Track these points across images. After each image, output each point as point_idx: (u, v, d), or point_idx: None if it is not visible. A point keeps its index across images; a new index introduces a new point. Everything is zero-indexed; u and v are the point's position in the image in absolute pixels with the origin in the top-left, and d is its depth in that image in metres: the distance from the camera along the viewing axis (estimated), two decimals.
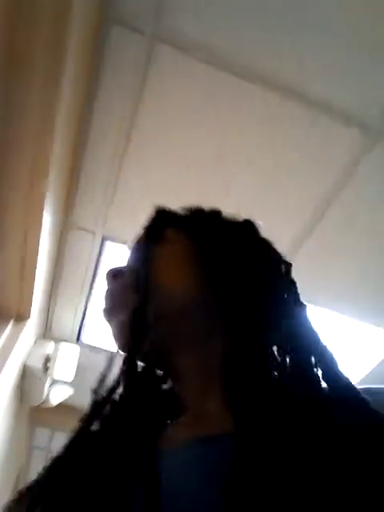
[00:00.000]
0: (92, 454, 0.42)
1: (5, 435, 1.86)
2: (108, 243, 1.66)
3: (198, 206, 0.64)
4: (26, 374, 1.89)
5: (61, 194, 1.43)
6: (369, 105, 1.24)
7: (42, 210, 1.27)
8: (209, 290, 0.50)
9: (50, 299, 1.77)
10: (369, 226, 1.51)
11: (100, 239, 1.65)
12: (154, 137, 1.38)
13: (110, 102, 1.32)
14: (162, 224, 0.59)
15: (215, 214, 0.62)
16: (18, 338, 1.58)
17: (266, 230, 1.56)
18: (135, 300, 0.49)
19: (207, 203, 1.52)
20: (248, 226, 0.60)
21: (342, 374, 0.42)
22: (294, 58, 1.17)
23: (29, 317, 1.59)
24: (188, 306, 0.50)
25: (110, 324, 0.54)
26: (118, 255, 1.70)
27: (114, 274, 0.57)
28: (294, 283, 0.53)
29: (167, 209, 0.63)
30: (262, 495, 0.33)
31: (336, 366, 0.43)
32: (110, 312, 0.54)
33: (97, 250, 1.68)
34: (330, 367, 0.43)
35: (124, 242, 1.66)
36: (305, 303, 0.50)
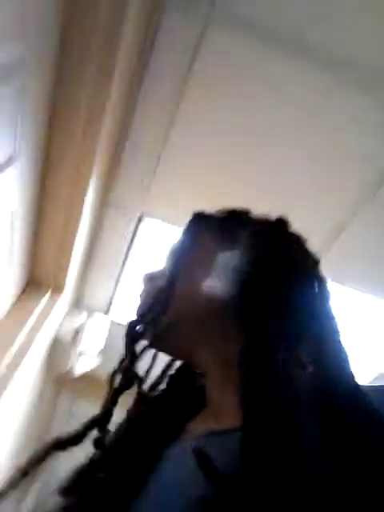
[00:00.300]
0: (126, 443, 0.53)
1: (31, 399, 1.92)
2: (145, 220, 1.65)
3: (232, 207, 0.64)
4: (55, 345, 1.93)
5: (103, 170, 1.42)
6: None
7: (86, 186, 1.27)
8: (232, 295, 0.51)
9: (85, 272, 1.79)
10: None
11: (137, 217, 1.64)
12: (199, 118, 1.34)
13: (158, 81, 1.29)
14: (198, 228, 0.60)
15: (248, 216, 0.63)
16: (51, 310, 1.60)
17: (311, 215, 1.50)
18: (159, 304, 0.53)
19: (252, 187, 1.50)
20: (278, 227, 0.60)
21: (357, 388, 0.43)
22: (346, 31, 1.11)
23: (64, 289, 1.61)
24: (209, 312, 0.52)
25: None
26: (155, 233, 1.69)
27: (149, 278, 0.61)
28: (322, 284, 0.53)
29: (204, 213, 0.64)
30: (254, 489, 0.35)
31: (352, 379, 0.44)
32: (143, 316, 0.56)
33: (132, 228, 1.67)
34: (345, 380, 0.44)
35: (162, 219, 1.65)
36: (331, 304, 0.51)
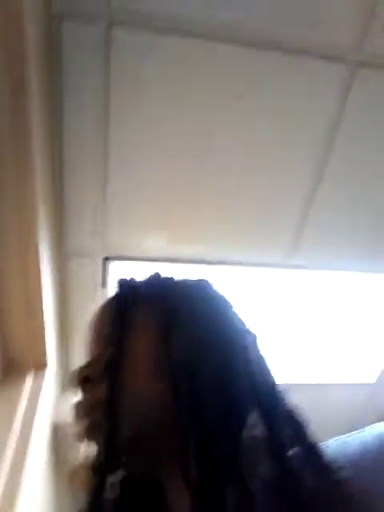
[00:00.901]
0: None
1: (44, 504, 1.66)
2: (112, 264, 1.54)
3: (155, 274, 0.65)
4: (55, 432, 1.71)
5: (50, 224, 1.32)
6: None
7: (36, 247, 1.16)
8: (176, 397, 0.49)
9: (65, 337, 1.62)
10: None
11: (101, 261, 1.53)
12: (132, 137, 1.29)
13: (79, 114, 1.24)
14: (128, 304, 0.58)
15: (174, 284, 0.63)
16: (40, 392, 1.41)
17: (271, 202, 1.42)
18: (107, 426, 0.49)
19: (205, 187, 1.44)
20: (205, 293, 0.61)
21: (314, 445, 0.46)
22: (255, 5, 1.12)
23: (47, 364, 1.44)
24: (161, 425, 0.50)
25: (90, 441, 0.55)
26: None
27: (84, 380, 0.57)
28: (254, 341, 0.57)
29: (129, 283, 0.63)
30: None
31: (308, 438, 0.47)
32: (86, 433, 0.54)
33: (100, 274, 1.56)
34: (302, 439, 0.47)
35: (128, 259, 1.55)
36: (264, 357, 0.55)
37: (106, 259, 1.53)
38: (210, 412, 0.46)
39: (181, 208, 1.44)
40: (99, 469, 0.50)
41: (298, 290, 1.74)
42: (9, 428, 1.16)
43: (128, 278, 0.64)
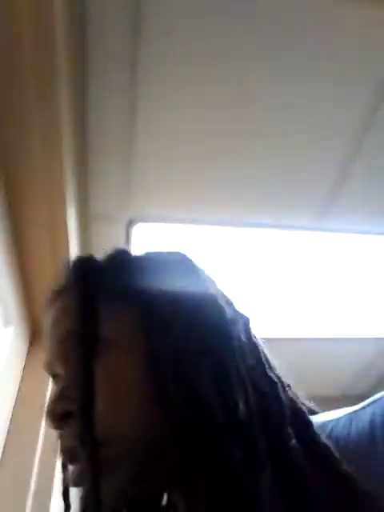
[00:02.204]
0: None
1: None
2: (136, 226, 1.50)
3: (121, 253, 0.53)
4: None
5: (76, 184, 1.27)
6: None
7: (65, 206, 1.11)
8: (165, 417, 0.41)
9: None
10: None
11: (125, 224, 1.50)
12: (161, 96, 1.19)
13: (105, 71, 1.13)
14: (93, 307, 0.45)
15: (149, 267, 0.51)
16: None
17: (305, 166, 1.32)
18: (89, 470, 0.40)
19: (236, 148, 1.36)
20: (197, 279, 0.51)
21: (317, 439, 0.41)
22: None
23: None
24: (151, 447, 0.41)
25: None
26: (148, 237, 1.55)
27: (61, 417, 0.43)
28: (256, 348, 0.48)
29: (90, 268, 0.49)
30: None
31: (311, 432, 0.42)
32: (74, 480, 0.45)
33: (124, 236, 1.52)
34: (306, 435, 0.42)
35: (152, 221, 1.50)
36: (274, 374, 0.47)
37: (131, 222, 1.49)
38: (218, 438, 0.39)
39: (209, 170, 1.37)
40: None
41: (323, 252, 1.71)
42: (43, 394, 1.18)
43: (86, 259, 0.51)
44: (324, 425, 0.44)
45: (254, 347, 0.47)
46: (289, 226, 1.54)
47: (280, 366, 0.51)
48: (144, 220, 1.50)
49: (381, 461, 0.36)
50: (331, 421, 0.44)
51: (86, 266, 0.49)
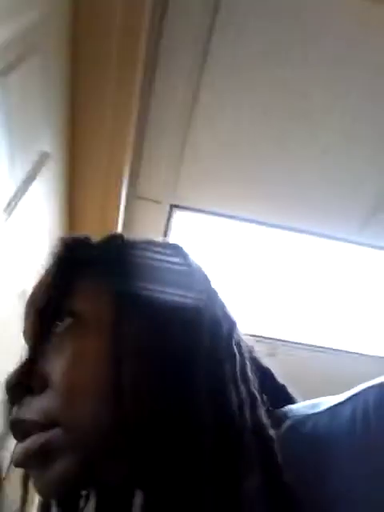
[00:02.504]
0: None
1: None
2: (177, 212, 1.55)
3: (115, 238, 0.48)
4: None
5: (129, 169, 1.33)
6: None
7: (120, 181, 1.17)
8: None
9: None
10: None
11: (168, 208, 1.55)
12: (223, 89, 1.23)
13: (174, 56, 1.18)
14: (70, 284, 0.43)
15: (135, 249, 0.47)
16: None
17: (354, 176, 1.31)
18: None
19: (289, 149, 1.38)
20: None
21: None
22: None
23: None
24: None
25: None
26: (188, 223, 1.60)
27: (18, 391, 0.41)
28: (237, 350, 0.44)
29: (78, 242, 0.47)
30: None
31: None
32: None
33: (164, 221, 1.58)
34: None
35: (195, 210, 1.55)
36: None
37: (173, 207, 1.54)
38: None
39: (257, 168, 1.41)
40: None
41: (358, 265, 1.72)
42: None
43: (76, 237, 0.48)
44: (305, 419, 0.42)
45: (229, 355, 0.43)
46: (327, 235, 1.56)
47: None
48: (186, 208, 1.55)
49: (361, 461, 0.35)
50: (311, 416, 0.42)
51: (73, 243, 0.47)
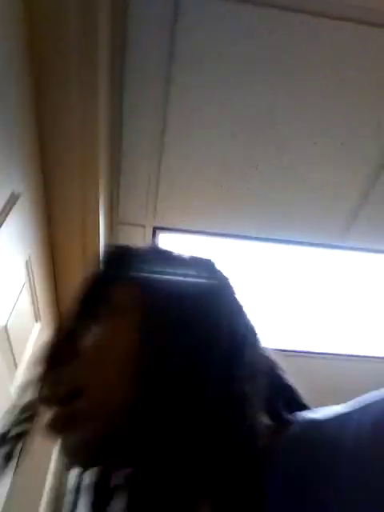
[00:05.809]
0: None
1: None
2: (161, 235, 1.57)
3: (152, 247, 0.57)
4: None
5: (107, 192, 1.36)
6: None
7: (96, 211, 1.20)
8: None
9: None
10: None
11: (151, 231, 1.57)
12: (191, 111, 1.27)
13: (139, 87, 1.22)
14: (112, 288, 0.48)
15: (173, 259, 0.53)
16: None
17: (329, 185, 1.34)
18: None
19: (262, 164, 1.41)
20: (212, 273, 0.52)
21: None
22: None
23: None
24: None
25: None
26: (173, 243, 1.61)
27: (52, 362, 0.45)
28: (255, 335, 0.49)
29: (123, 250, 0.53)
30: None
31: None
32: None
33: (149, 243, 1.59)
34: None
35: (177, 231, 1.57)
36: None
37: (156, 230, 1.56)
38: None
39: (233, 184, 1.43)
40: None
41: (342, 270, 1.72)
42: None
43: (121, 246, 0.53)
44: (312, 425, 0.42)
45: (239, 351, 0.45)
46: (311, 243, 1.57)
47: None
48: (169, 229, 1.57)
49: (367, 470, 0.35)
50: (319, 423, 0.42)
51: (115, 250, 0.54)
